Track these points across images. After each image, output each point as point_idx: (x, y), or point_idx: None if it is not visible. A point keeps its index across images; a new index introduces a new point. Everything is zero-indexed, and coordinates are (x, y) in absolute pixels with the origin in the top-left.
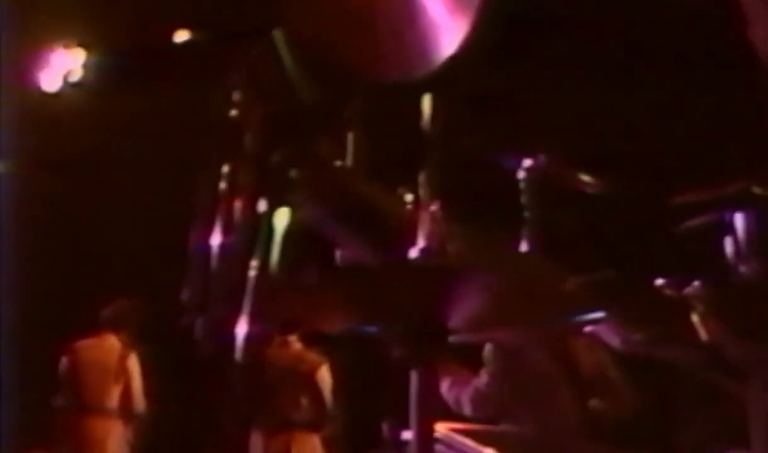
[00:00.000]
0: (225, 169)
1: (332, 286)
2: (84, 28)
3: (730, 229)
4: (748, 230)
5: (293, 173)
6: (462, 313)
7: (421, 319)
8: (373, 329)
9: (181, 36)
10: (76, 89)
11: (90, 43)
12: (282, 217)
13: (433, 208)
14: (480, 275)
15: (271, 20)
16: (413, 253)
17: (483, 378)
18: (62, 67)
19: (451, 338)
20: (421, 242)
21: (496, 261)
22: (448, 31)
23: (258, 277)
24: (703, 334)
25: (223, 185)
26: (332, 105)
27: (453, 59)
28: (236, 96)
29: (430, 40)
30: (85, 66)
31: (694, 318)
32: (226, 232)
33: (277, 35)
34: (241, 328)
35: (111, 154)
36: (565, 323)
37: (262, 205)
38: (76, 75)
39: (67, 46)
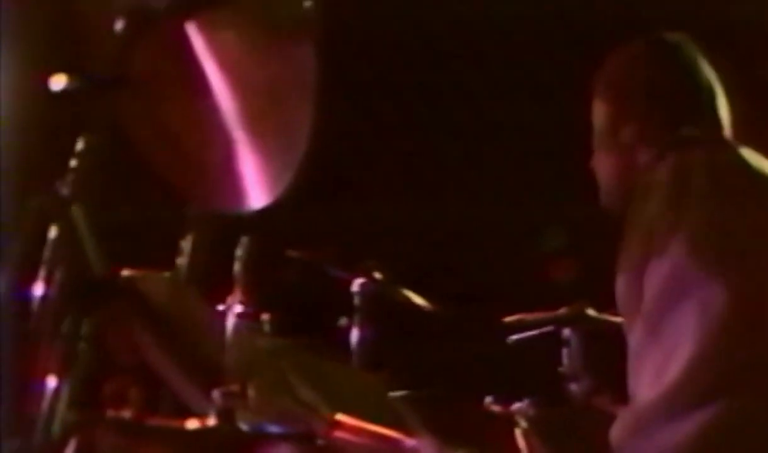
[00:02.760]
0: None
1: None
2: None
3: (563, 349)
4: (580, 350)
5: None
6: None
7: None
8: None
9: (58, 82)
10: None
11: None
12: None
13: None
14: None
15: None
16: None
17: None
18: None
19: None
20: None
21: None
22: (262, 181)
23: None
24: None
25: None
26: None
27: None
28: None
29: (246, 185)
30: None
31: (518, 435)
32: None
33: (76, 210)
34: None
35: None
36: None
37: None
38: None
39: None
